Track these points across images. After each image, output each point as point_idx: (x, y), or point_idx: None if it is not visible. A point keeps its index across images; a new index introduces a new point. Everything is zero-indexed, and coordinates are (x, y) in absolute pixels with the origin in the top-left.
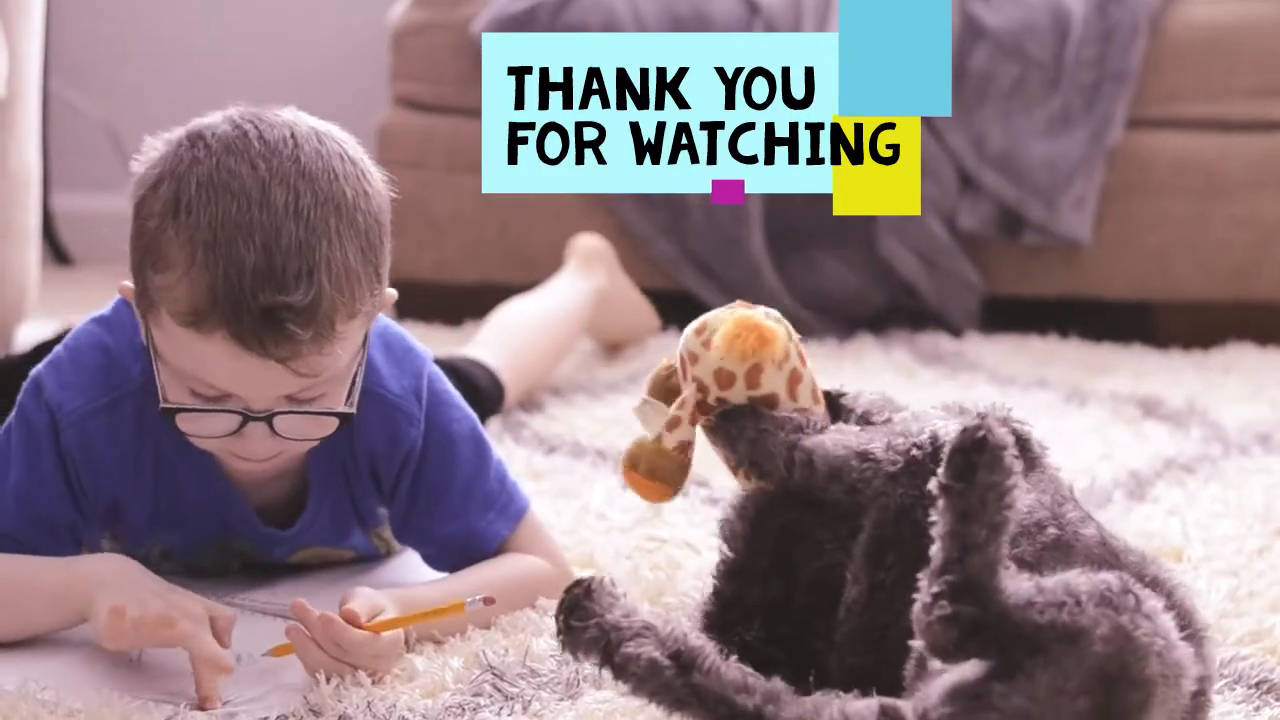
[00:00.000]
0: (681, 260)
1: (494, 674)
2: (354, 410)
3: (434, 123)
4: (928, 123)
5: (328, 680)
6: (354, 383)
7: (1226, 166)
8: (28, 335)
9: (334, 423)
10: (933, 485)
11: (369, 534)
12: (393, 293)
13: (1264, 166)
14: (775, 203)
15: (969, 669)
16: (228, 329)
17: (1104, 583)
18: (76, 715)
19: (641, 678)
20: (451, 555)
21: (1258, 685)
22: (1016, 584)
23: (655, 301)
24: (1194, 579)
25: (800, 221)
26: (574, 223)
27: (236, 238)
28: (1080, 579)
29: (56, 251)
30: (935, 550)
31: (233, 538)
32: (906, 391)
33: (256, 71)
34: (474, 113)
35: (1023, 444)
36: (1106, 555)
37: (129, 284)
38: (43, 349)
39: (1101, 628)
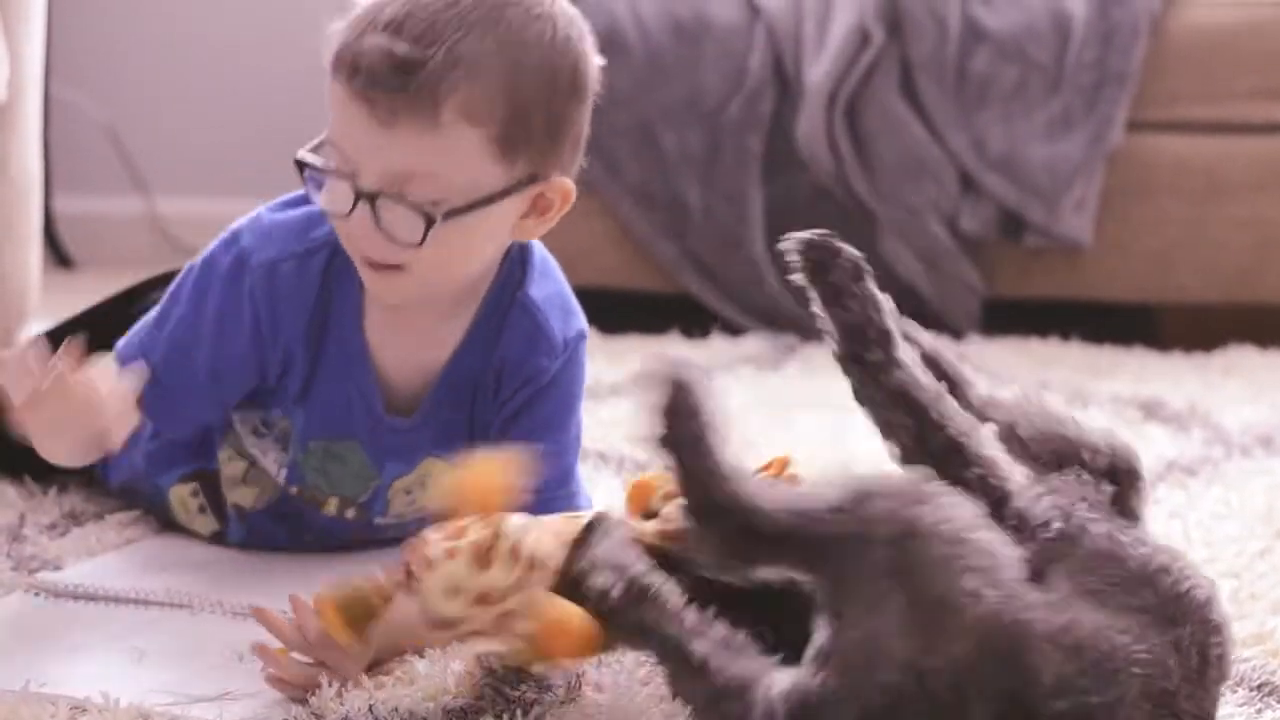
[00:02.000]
0: (682, 262)
1: (495, 677)
2: (438, 218)
3: None
4: (929, 124)
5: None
6: (468, 210)
7: (1227, 168)
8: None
9: (419, 229)
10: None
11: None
12: (566, 183)
13: (1265, 168)
14: (777, 205)
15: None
16: (341, 67)
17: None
18: (80, 717)
19: (596, 603)
20: None
21: (1260, 687)
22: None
23: (656, 304)
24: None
25: (802, 223)
26: (574, 224)
27: (389, 2)
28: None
29: (58, 253)
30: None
31: (350, 440)
32: None
33: (257, 73)
34: None
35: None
36: (1113, 548)
37: None
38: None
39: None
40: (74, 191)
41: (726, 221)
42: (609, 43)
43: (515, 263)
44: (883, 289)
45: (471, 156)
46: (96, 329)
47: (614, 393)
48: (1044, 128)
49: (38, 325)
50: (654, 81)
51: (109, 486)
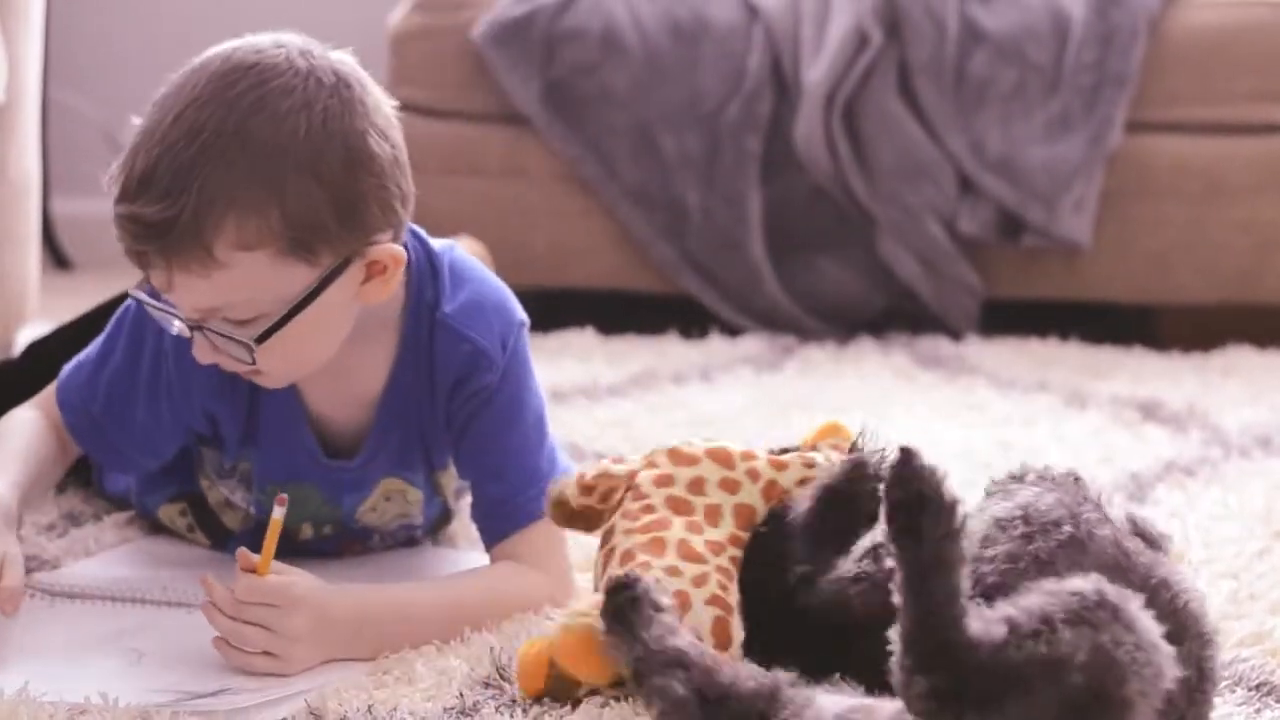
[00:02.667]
0: (681, 264)
1: (496, 676)
2: (252, 344)
3: (433, 127)
4: (927, 125)
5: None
6: (284, 321)
7: (1226, 170)
8: (28, 339)
9: (245, 351)
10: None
11: (432, 476)
12: (393, 249)
13: (1264, 170)
14: (775, 206)
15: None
16: (115, 228)
17: (1077, 598)
18: (78, 718)
19: (665, 712)
20: (483, 514)
21: (1258, 687)
22: (986, 627)
23: (655, 305)
24: (1195, 581)
25: (800, 225)
26: (573, 226)
27: (141, 148)
28: (1053, 600)
29: (56, 256)
30: (900, 609)
31: (304, 483)
32: (906, 395)
33: None
34: (473, 117)
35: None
36: (1119, 556)
37: None
38: (34, 350)
39: (1080, 654)
40: (72, 193)
41: (725, 222)
42: (607, 44)
43: (424, 278)
44: (882, 290)
45: (265, 276)
46: (93, 334)
47: (612, 393)
48: (1043, 129)
49: (36, 326)
50: (652, 83)
51: (105, 493)
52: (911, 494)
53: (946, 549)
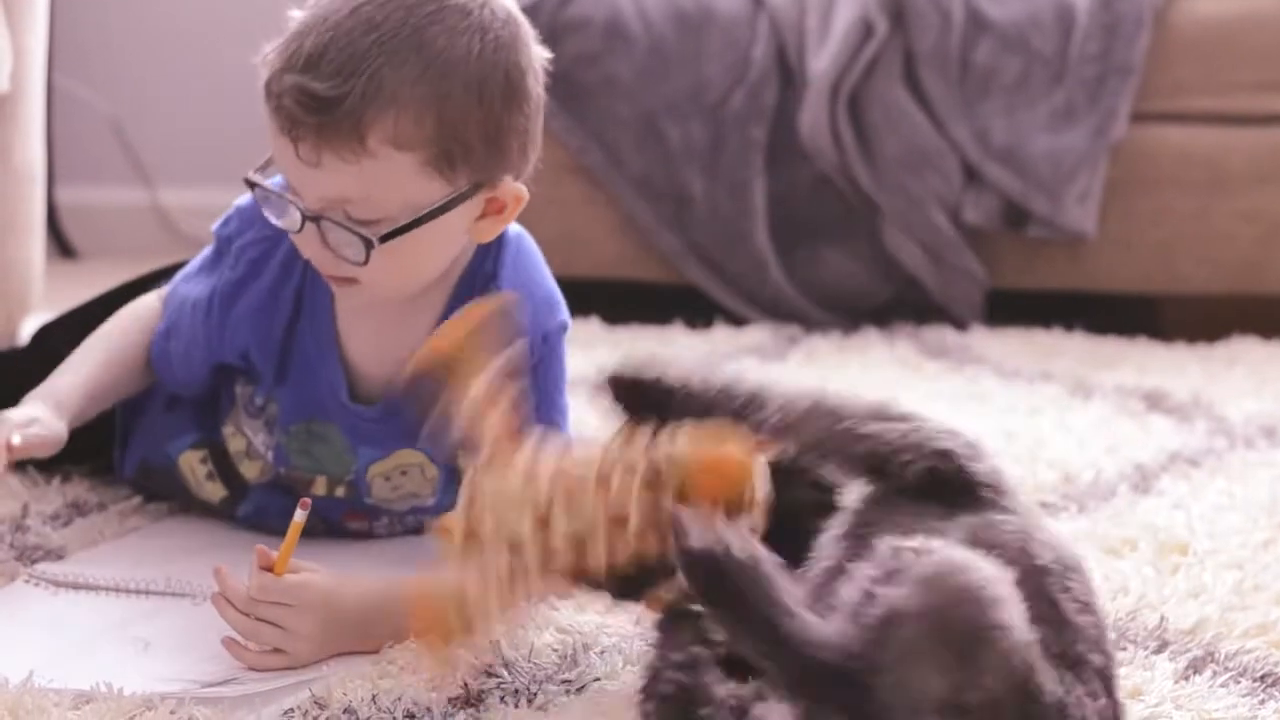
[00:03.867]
0: (686, 253)
1: (500, 666)
2: (375, 241)
3: None
4: (932, 115)
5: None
6: (408, 228)
7: (1231, 160)
8: (33, 328)
9: (361, 249)
10: None
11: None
12: (517, 188)
13: (1268, 160)
14: (780, 196)
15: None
16: (268, 101)
17: (889, 558)
18: (83, 707)
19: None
20: None
21: (1263, 678)
22: (832, 626)
23: (660, 295)
24: (1200, 572)
25: (805, 215)
26: (580, 215)
27: (312, 29)
28: (867, 570)
29: (61, 244)
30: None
31: (326, 422)
32: (912, 385)
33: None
34: None
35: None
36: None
37: None
38: (41, 336)
39: (914, 600)
40: (77, 182)
41: (729, 213)
42: (612, 33)
43: (488, 250)
44: (886, 280)
45: (405, 179)
46: (100, 321)
47: None
48: (1047, 119)
49: (41, 315)
50: (657, 73)
51: (123, 475)
52: (702, 567)
53: (760, 599)
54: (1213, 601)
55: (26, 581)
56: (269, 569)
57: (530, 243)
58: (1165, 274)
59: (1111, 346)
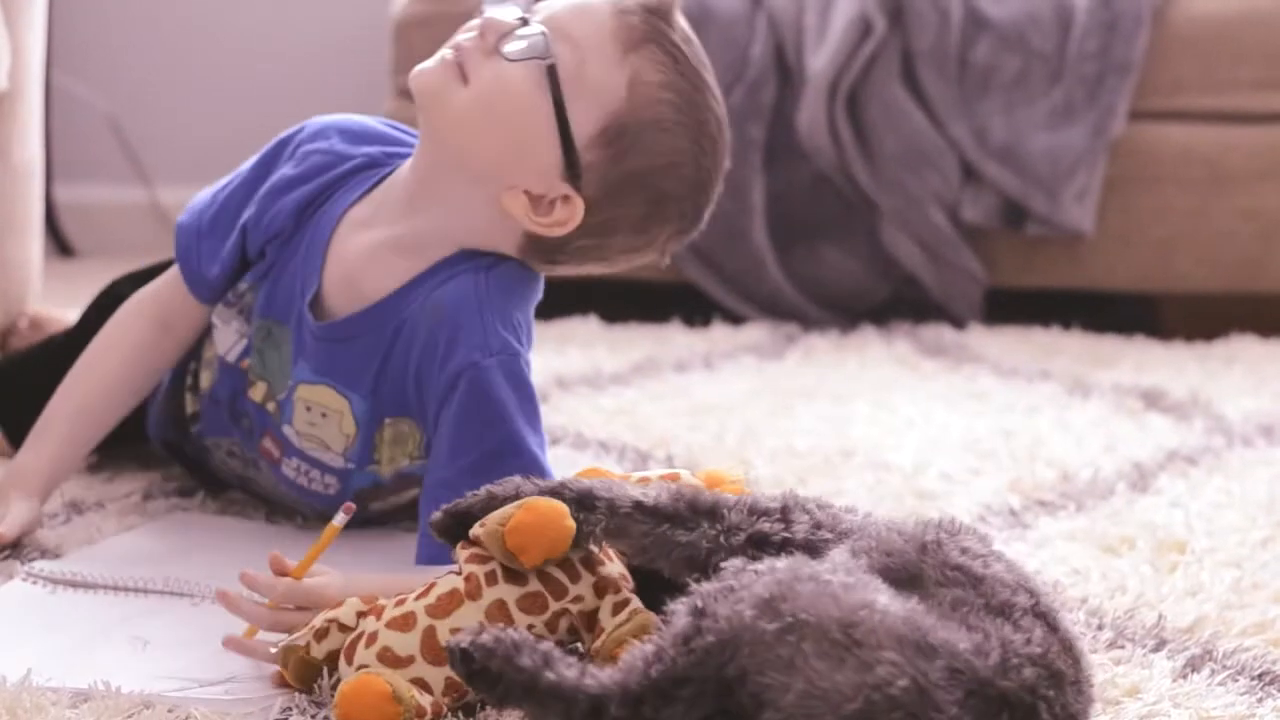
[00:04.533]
0: (684, 251)
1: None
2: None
3: None
4: (930, 113)
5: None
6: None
7: (1230, 158)
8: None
9: (528, 49)
10: None
11: (377, 420)
12: (574, 213)
13: (1267, 158)
14: (778, 194)
15: None
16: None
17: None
18: (81, 705)
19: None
20: (426, 500)
21: (1260, 676)
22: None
23: (657, 293)
24: (1198, 570)
25: (803, 213)
26: None
27: None
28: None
29: (59, 243)
30: None
31: (283, 326)
32: (910, 384)
33: (259, 63)
34: None
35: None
36: (962, 578)
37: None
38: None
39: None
40: (75, 180)
41: (728, 210)
42: None
43: (479, 268)
44: (885, 278)
45: (601, 73)
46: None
47: (615, 382)
48: (1046, 117)
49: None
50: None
51: (149, 440)
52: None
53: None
54: (1211, 600)
55: (24, 580)
56: (283, 574)
57: (530, 282)
58: (1164, 272)
59: (1110, 345)
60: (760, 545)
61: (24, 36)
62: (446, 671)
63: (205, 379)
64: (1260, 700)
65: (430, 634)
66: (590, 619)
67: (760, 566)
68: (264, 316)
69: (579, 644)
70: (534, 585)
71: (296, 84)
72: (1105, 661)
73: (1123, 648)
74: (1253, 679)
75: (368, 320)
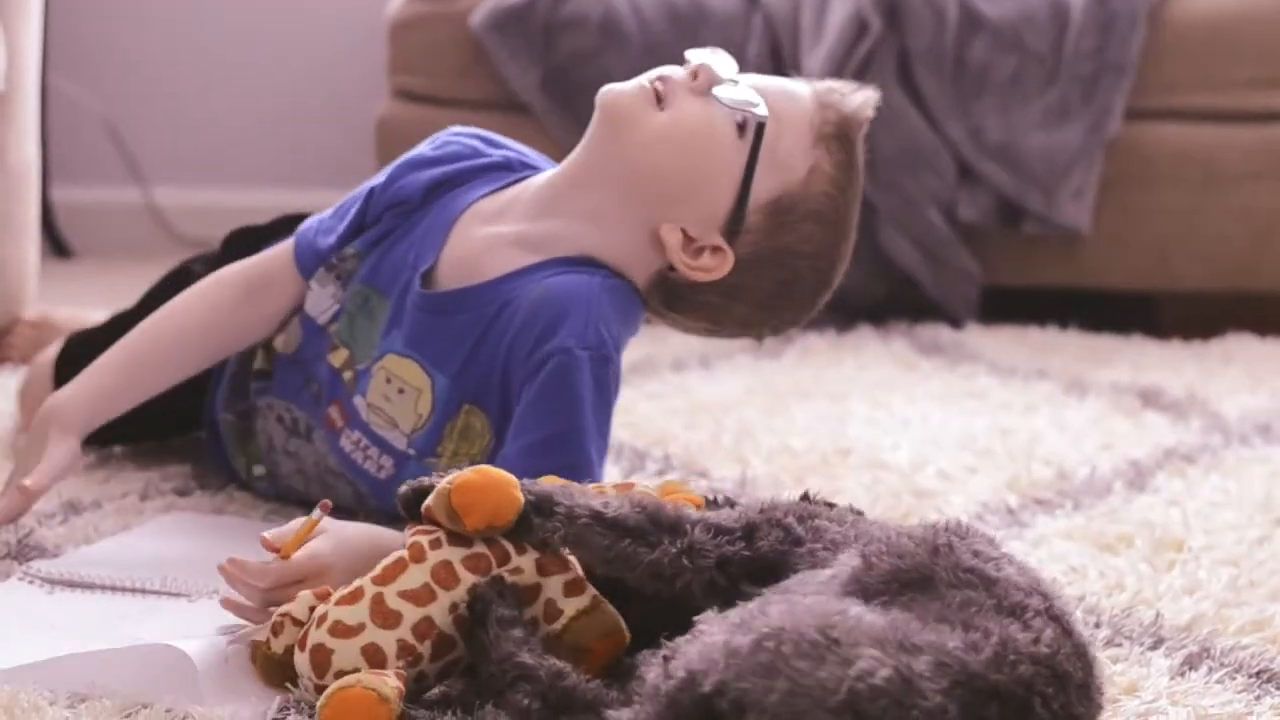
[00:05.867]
0: None
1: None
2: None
3: (432, 114)
4: (926, 113)
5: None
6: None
7: (1225, 157)
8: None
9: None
10: None
11: (458, 402)
12: (721, 265)
13: (1263, 157)
14: None
15: None
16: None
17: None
18: (79, 705)
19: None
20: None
21: (1258, 674)
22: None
23: None
24: (1195, 568)
25: None
26: None
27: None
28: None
29: (56, 244)
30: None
31: (384, 298)
32: (906, 383)
33: (255, 64)
34: (472, 105)
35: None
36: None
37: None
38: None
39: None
40: (72, 182)
41: None
42: (607, 31)
43: (599, 274)
44: (882, 278)
45: (795, 140)
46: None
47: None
48: (1042, 116)
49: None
50: (652, 69)
51: (214, 415)
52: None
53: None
54: (1208, 598)
55: (20, 579)
56: (276, 552)
57: (637, 312)
58: (1160, 271)
59: (1107, 344)
60: (726, 569)
61: (20, 38)
62: (397, 634)
63: (280, 341)
64: (1258, 698)
65: (378, 600)
66: (532, 593)
67: (730, 611)
68: (366, 284)
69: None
70: (479, 548)
71: (293, 85)
72: (1103, 659)
73: (1120, 645)
74: (1250, 676)
75: (475, 296)
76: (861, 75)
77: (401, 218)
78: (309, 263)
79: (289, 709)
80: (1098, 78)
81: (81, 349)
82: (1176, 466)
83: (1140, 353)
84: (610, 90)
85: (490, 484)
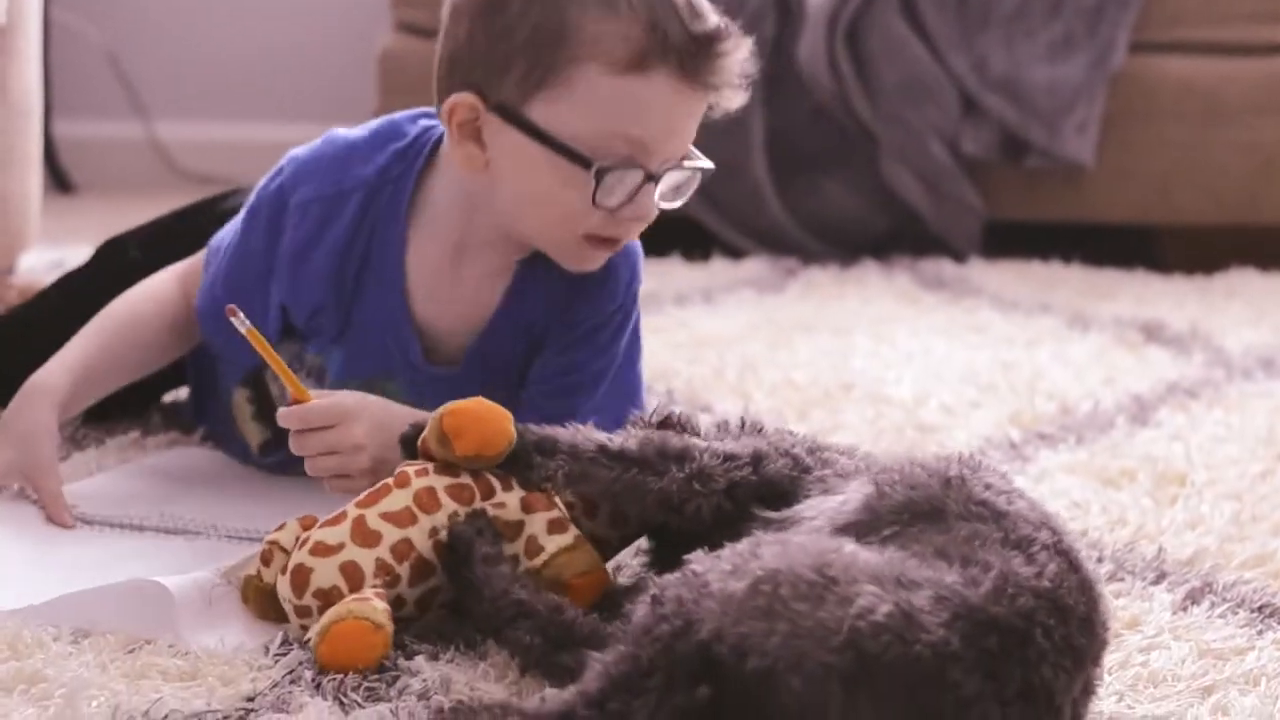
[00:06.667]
0: None
1: None
2: (709, 169)
3: (435, 48)
4: (930, 45)
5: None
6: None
7: (1228, 91)
8: (30, 262)
9: (695, 183)
10: None
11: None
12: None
13: (1266, 91)
14: (778, 128)
15: None
16: (671, 61)
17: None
18: (82, 641)
19: (522, 661)
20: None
21: (1260, 609)
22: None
23: (657, 227)
24: (1197, 503)
25: (803, 146)
26: None
27: None
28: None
29: (58, 178)
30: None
31: (388, 380)
32: (910, 317)
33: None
34: None
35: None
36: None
37: (462, 98)
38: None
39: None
40: (74, 116)
41: (728, 145)
42: None
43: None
44: (885, 212)
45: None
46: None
47: None
48: (1046, 49)
49: (39, 250)
50: None
51: (194, 418)
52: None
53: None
54: (1211, 532)
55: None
56: (299, 401)
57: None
58: (1163, 205)
59: (1109, 278)
60: (735, 495)
61: None
62: (376, 553)
63: None
64: (1260, 632)
65: (360, 522)
66: (514, 529)
67: (721, 551)
68: (355, 377)
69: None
70: (464, 479)
71: (295, 20)
72: (1107, 595)
73: (1123, 580)
74: (1252, 611)
75: (493, 339)
76: (865, 8)
77: (335, 311)
78: (238, 356)
79: (292, 643)
80: (1102, 11)
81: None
82: (1179, 401)
83: (1143, 287)
84: None
85: (484, 413)
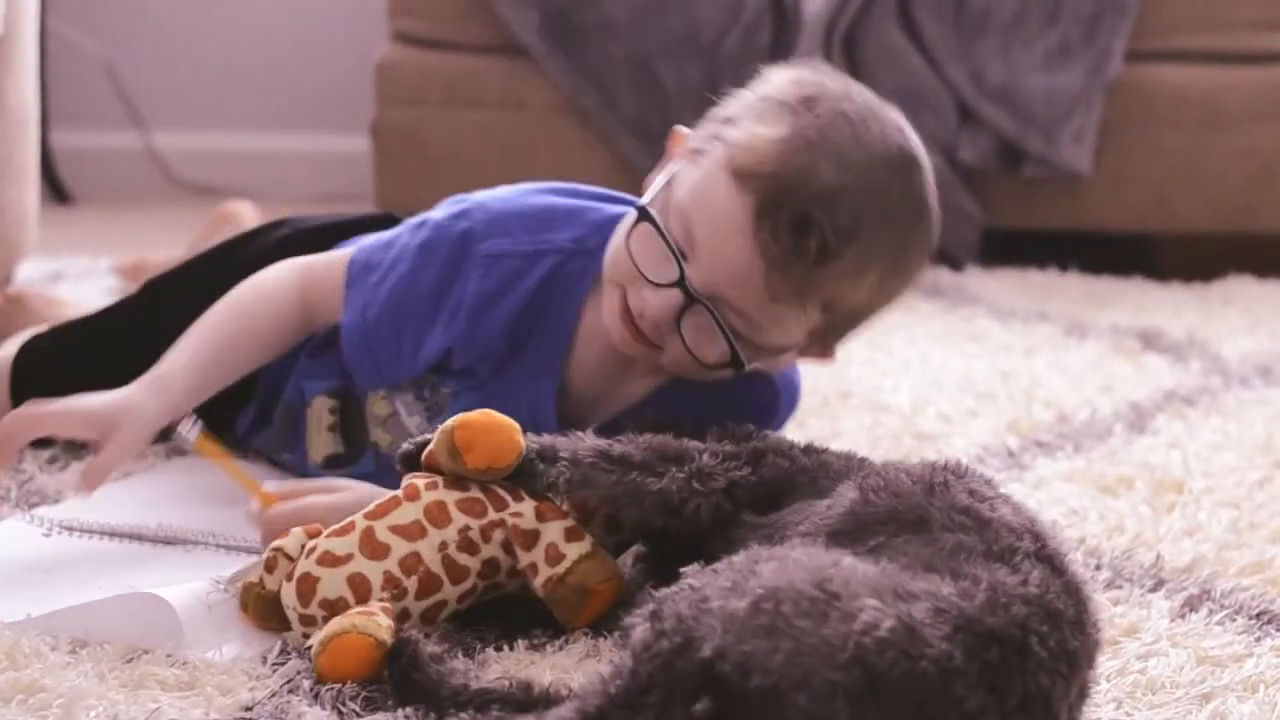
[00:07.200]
0: None
1: None
2: (743, 366)
3: (431, 58)
4: (927, 54)
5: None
6: (761, 367)
7: (1226, 99)
8: (27, 273)
9: (724, 353)
10: None
11: None
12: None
13: (1263, 99)
14: None
15: None
16: (760, 198)
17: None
18: (80, 650)
19: None
20: None
21: (1259, 616)
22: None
23: None
24: (1195, 511)
25: None
26: (573, 157)
27: (830, 153)
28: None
29: (55, 188)
30: None
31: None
32: (907, 324)
33: (254, 7)
34: (472, 48)
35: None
36: (968, 522)
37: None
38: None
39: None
40: (71, 126)
41: None
42: None
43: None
44: None
45: (796, 328)
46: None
47: None
48: (1043, 58)
49: (35, 261)
50: (651, 14)
51: (239, 431)
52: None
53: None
54: (1208, 540)
55: (19, 519)
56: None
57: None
58: (1161, 213)
59: (1107, 286)
60: (734, 494)
61: None
62: (384, 566)
63: (380, 439)
64: (1258, 639)
65: (369, 534)
66: (531, 538)
67: (718, 565)
68: None
69: (500, 583)
70: (475, 492)
71: (292, 31)
72: (1103, 601)
73: (1120, 588)
74: (1250, 618)
75: (625, 418)
76: (862, 17)
77: (498, 362)
78: (370, 380)
79: (290, 653)
80: (1099, 19)
81: (35, 363)
82: (1177, 409)
83: (1140, 295)
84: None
85: (494, 425)
